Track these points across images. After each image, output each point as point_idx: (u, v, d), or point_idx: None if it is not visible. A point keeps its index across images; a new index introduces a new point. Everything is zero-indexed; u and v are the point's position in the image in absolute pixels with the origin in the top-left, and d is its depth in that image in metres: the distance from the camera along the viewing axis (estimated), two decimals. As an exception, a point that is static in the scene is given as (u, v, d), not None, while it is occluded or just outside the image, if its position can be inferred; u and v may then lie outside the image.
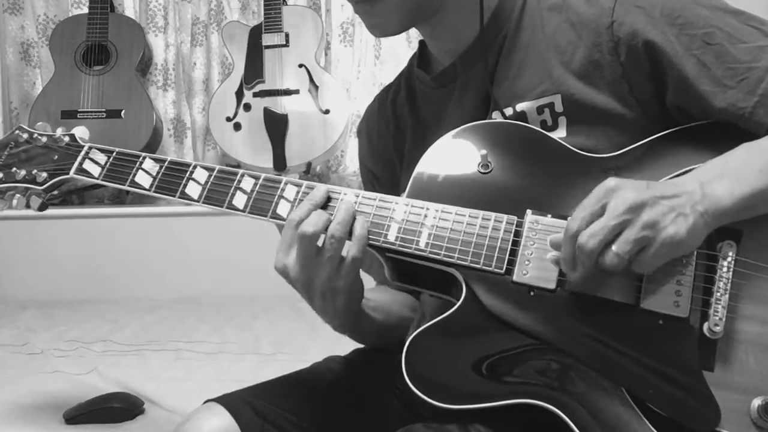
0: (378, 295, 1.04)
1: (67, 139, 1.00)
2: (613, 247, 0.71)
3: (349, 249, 0.83)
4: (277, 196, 0.89)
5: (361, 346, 1.13)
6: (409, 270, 0.86)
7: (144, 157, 0.95)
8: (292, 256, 0.84)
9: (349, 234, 0.83)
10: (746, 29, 0.83)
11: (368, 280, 1.14)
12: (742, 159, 0.78)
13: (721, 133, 0.83)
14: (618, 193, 0.73)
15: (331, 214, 0.84)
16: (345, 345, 1.12)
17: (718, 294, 0.75)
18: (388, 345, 1.09)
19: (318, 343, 2.07)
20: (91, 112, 2.87)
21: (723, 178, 0.75)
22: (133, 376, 1.89)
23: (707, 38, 0.83)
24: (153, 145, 2.90)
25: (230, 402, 0.94)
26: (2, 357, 2.07)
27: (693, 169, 0.79)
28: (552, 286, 0.78)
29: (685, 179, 0.76)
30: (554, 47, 0.90)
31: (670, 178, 0.79)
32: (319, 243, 0.83)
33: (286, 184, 0.89)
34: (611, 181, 0.74)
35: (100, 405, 1.62)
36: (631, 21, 0.85)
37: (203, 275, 2.84)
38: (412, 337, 0.79)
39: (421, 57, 1.06)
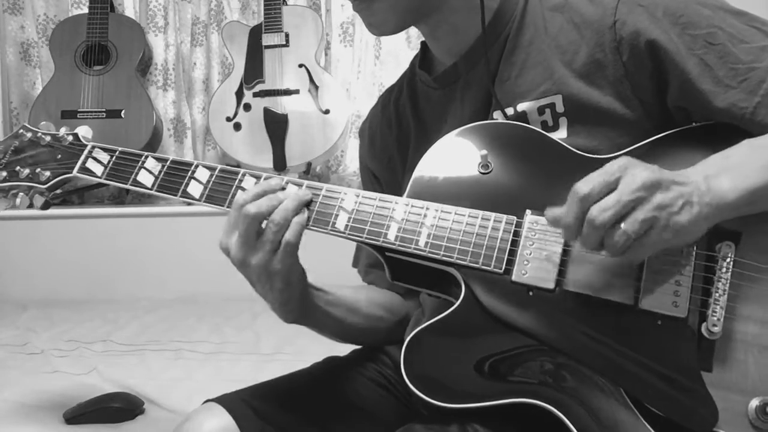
0: (346, 292, 1.04)
1: (70, 138, 1.01)
2: (623, 225, 0.70)
3: (285, 233, 0.83)
4: None
5: (359, 346, 1.13)
6: (408, 269, 0.86)
7: (146, 156, 0.95)
8: (235, 236, 0.84)
9: None
10: (748, 30, 0.83)
11: (354, 279, 1.15)
12: (745, 155, 0.78)
13: (722, 134, 0.83)
14: (632, 170, 0.71)
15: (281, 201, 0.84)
16: (345, 345, 1.12)
17: (717, 294, 0.75)
18: (359, 341, 1.10)
19: (318, 343, 2.03)
20: (91, 112, 2.87)
21: (726, 173, 0.75)
22: (133, 376, 1.88)
23: (709, 38, 0.83)
24: (153, 145, 2.91)
25: (230, 402, 0.95)
26: (2, 357, 2.07)
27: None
28: (551, 286, 0.78)
29: (690, 171, 0.76)
30: (556, 47, 0.90)
31: None
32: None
33: (287, 183, 0.89)
34: (626, 158, 0.73)
35: (100, 405, 1.62)
36: (633, 20, 0.85)
37: (203, 275, 2.83)
38: (411, 335, 0.79)
39: (423, 58, 1.06)
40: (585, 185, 0.71)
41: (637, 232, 0.70)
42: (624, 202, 0.70)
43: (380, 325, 1.06)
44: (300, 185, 0.89)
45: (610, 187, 0.71)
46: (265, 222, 0.83)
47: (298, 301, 0.91)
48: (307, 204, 0.86)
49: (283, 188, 0.88)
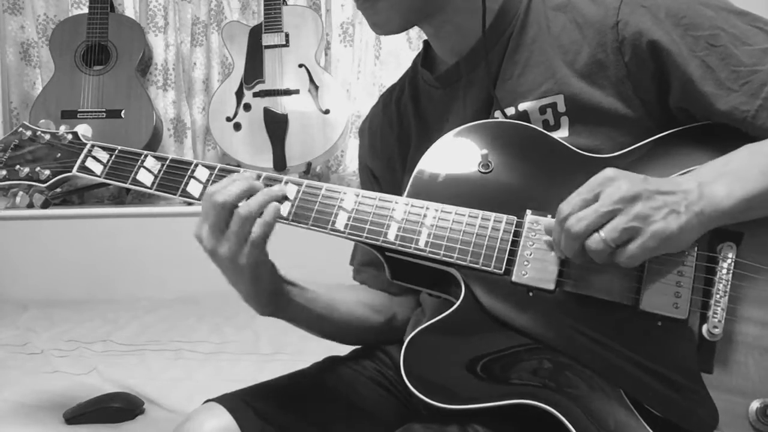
0: (326, 290, 1.04)
1: (69, 137, 1.01)
2: (601, 233, 0.71)
3: (252, 228, 0.83)
4: None
5: (349, 345, 1.13)
6: (408, 269, 0.86)
7: (146, 155, 0.95)
8: (206, 225, 0.85)
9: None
10: (751, 31, 0.83)
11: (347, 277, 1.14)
12: (744, 161, 0.78)
13: (724, 133, 0.83)
14: (614, 183, 0.73)
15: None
16: (344, 345, 1.12)
17: (718, 296, 0.74)
18: (342, 339, 1.10)
19: (318, 343, 2.04)
20: (91, 112, 2.87)
21: (723, 179, 0.75)
22: (133, 376, 1.88)
23: (712, 40, 0.82)
24: (153, 145, 2.90)
25: (230, 402, 0.95)
26: (2, 357, 2.07)
27: (694, 169, 0.79)
28: (551, 286, 0.78)
29: (684, 179, 0.76)
30: (558, 47, 0.90)
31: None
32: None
33: (286, 183, 0.89)
34: (609, 171, 0.74)
35: (100, 405, 1.61)
36: (636, 21, 0.85)
37: (203, 275, 2.80)
38: (410, 336, 0.79)
39: (426, 57, 1.06)
40: (567, 206, 0.74)
41: (615, 240, 0.71)
42: (601, 212, 0.71)
43: (363, 324, 1.07)
44: (300, 184, 0.89)
45: (591, 202, 0.73)
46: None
47: (269, 295, 0.92)
48: (280, 199, 0.86)
49: (271, 184, 0.88)
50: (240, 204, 0.83)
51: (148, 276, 2.91)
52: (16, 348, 2.15)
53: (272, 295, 0.92)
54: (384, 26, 0.94)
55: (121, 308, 2.63)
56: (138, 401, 1.66)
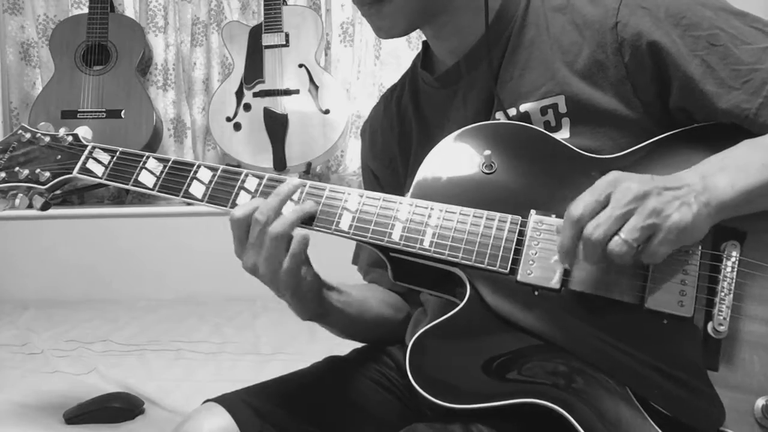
0: (357, 291, 1.04)
1: (70, 138, 1.01)
2: (621, 234, 0.71)
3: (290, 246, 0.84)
4: None
5: (359, 345, 1.13)
6: (412, 270, 0.86)
7: (148, 157, 0.95)
8: (242, 245, 0.86)
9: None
10: (750, 31, 0.83)
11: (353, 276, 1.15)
12: (744, 154, 0.78)
13: (724, 134, 0.83)
14: (622, 184, 0.73)
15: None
16: (345, 345, 1.12)
17: (723, 294, 0.74)
18: (367, 340, 1.11)
19: (318, 343, 2.07)
20: (91, 112, 2.87)
21: (724, 172, 0.76)
22: (133, 376, 1.89)
23: (712, 39, 0.83)
24: (153, 145, 2.90)
25: (230, 402, 0.94)
26: (2, 357, 2.07)
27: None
28: (556, 285, 0.78)
29: (687, 173, 0.76)
30: (558, 48, 0.90)
31: None
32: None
33: (290, 185, 0.89)
34: (615, 173, 0.74)
35: (100, 405, 1.62)
36: (635, 22, 0.85)
37: (203, 275, 2.84)
38: (416, 336, 0.79)
39: (425, 58, 1.06)
40: (576, 207, 0.73)
41: (637, 240, 0.71)
42: (616, 215, 0.71)
43: (387, 323, 1.07)
44: (303, 185, 0.88)
45: (602, 205, 0.72)
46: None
47: (311, 303, 0.92)
48: (312, 217, 0.86)
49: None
50: (274, 222, 0.84)
51: (148, 276, 2.91)
52: (16, 348, 2.16)
53: (315, 302, 0.93)
54: (389, 30, 0.93)
55: (121, 308, 2.63)
56: (138, 401, 1.66)
